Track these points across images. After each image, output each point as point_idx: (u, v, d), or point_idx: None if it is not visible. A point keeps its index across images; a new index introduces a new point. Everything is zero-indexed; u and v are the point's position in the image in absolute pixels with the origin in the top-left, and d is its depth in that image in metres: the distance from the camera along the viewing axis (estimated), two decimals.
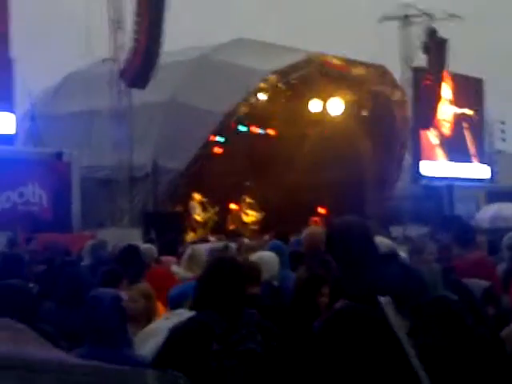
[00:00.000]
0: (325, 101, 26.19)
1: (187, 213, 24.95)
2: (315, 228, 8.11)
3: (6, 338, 1.58)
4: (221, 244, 7.41)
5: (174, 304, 5.62)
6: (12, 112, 21.51)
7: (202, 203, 25.69)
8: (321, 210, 27.78)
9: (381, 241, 4.37)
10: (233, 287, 4.16)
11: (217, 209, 25.88)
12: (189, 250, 9.45)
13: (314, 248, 6.82)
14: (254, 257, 7.14)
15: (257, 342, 4.02)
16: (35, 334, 1.68)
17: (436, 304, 3.56)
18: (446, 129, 34.15)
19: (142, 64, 20.89)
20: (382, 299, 3.39)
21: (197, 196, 25.44)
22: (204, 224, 25.49)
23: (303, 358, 3.98)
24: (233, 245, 7.48)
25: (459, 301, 3.67)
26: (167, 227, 18.88)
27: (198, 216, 25.38)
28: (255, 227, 26.89)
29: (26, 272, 8.00)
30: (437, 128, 33.21)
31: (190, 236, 23.03)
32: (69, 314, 5.67)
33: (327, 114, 26.53)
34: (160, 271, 7.61)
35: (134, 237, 17.09)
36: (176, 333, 4.15)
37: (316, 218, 26.39)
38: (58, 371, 1.50)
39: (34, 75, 25.68)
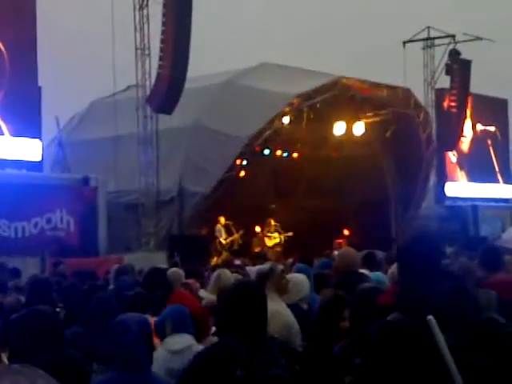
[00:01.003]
0: (349, 123, 26.28)
1: (212, 236, 25.08)
2: (349, 249, 8.16)
3: (24, 382, 1.71)
4: (267, 266, 7.44)
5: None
6: (39, 139, 21.80)
7: (226, 226, 25.81)
8: (345, 232, 27.80)
9: None
10: (255, 312, 4.11)
11: (241, 232, 25.98)
12: (216, 274, 9.53)
13: (348, 268, 6.85)
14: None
15: (281, 367, 3.94)
16: (53, 380, 1.80)
17: (484, 324, 3.56)
18: (465, 145, 34.03)
19: (167, 90, 21.08)
20: (428, 317, 3.44)
21: (222, 219, 25.57)
22: (228, 247, 25.61)
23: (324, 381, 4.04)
24: (280, 267, 7.52)
25: (508, 324, 3.66)
26: (192, 251, 19.00)
27: (223, 239, 25.51)
28: (279, 250, 26.95)
29: (54, 296, 8.13)
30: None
31: (215, 259, 23.15)
32: (97, 338, 5.75)
33: (351, 136, 26.60)
34: (185, 295, 7.70)
35: (159, 260, 17.21)
36: (200, 358, 4.16)
37: (340, 240, 26.42)
38: None
39: (61, 102, 26.02)
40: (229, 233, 25.87)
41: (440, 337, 3.37)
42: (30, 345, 4.51)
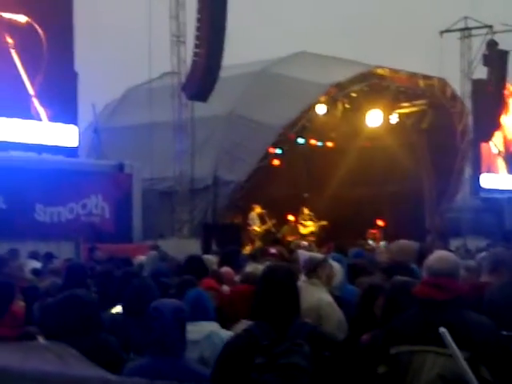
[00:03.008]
0: (384, 113, 26.13)
1: (245, 224, 25.11)
2: (407, 242, 8.14)
3: (53, 359, 1.74)
4: (319, 255, 7.45)
5: None
6: (75, 125, 21.95)
7: (260, 215, 25.82)
8: (379, 223, 27.70)
9: (447, 256, 4.35)
10: (282, 296, 4.08)
11: (274, 221, 25.99)
12: (250, 266, 9.54)
13: (403, 259, 6.80)
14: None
15: (302, 355, 3.88)
16: (84, 358, 1.82)
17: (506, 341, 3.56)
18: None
19: (202, 77, 21.07)
20: (441, 329, 3.43)
21: (257, 208, 25.59)
22: (262, 236, 25.61)
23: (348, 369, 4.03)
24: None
25: None
26: (226, 239, 19.04)
27: (257, 228, 25.53)
28: (313, 239, 26.92)
29: (89, 281, 8.18)
30: (500, 137, 32.79)
31: (248, 248, 23.17)
32: (132, 324, 5.79)
33: (386, 126, 26.46)
34: (208, 282, 7.67)
35: (193, 248, 17.28)
36: (226, 346, 4.24)
37: (374, 231, 26.34)
38: None
39: (98, 88, 26.15)
40: (262, 221, 25.88)
41: (455, 349, 3.37)
42: (67, 328, 4.55)
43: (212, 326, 5.68)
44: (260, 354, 3.89)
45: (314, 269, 6.82)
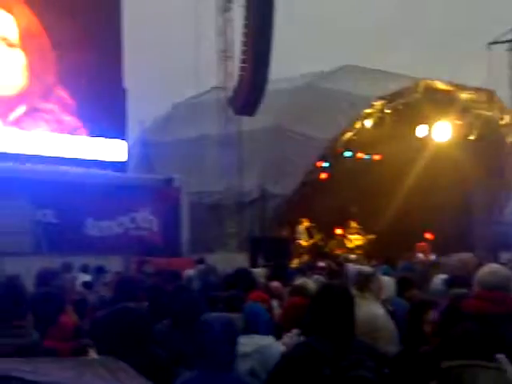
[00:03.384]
0: (431, 126, 25.94)
1: (292, 238, 25.08)
2: (468, 255, 8.05)
3: (105, 375, 1.77)
4: (369, 268, 7.43)
5: None
6: (124, 139, 22.19)
7: (308, 229, 25.78)
8: (427, 236, 27.44)
9: (499, 269, 4.31)
10: (341, 313, 4.11)
11: (321, 234, 25.91)
12: (298, 279, 9.51)
13: (465, 274, 6.72)
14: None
15: (369, 369, 3.93)
16: (134, 373, 1.85)
17: None
18: None
19: (249, 92, 21.15)
20: (498, 355, 3.40)
21: (304, 221, 25.55)
22: (309, 249, 25.56)
23: None
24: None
25: None
26: (274, 252, 19.03)
27: (304, 241, 25.49)
28: (360, 252, 26.79)
29: (139, 295, 8.23)
30: None
31: (296, 261, 23.13)
32: (182, 337, 5.80)
33: (434, 138, 26.25)
34: (260, 295, 7.67)
35: (240, 261, 17.28)
36: (288, 358, 4.20)
37: (423, 244, 26.07)
38: None
39: (146, 103, 26.42)
40: (310, 235, 25.83)
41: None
42: (118, 342, 4.56)
43: (265, 340, 5.68)
44: (327, 366, 3.91)
45: (365, 282, 6.78)
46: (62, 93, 21.03)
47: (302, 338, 4.39)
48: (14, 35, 20.46)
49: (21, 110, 20.37)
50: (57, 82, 20.98)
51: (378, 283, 7.02)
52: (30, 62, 20.66)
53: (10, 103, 20.33)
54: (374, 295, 6.78)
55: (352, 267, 8.69)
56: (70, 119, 21.11)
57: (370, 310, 6.47)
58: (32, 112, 20.53)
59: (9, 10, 20.43)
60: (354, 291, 6.63)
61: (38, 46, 20.66)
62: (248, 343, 5.42)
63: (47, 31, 20.77)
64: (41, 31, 20.73)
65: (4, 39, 20.29)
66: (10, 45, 20.39)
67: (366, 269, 7.45)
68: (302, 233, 25.51)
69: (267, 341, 5.67)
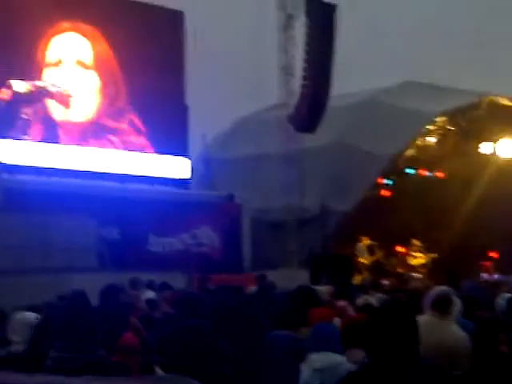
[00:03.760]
0: (496, 142, 25.56)
1: (353, 255, 24.90)
2: None
3: None
4: (448, 289, 7.22)
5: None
6: (187, 157, 22.36)
7: (369, 246, 25.58)
8: (492, 254, 26.96)
9: None
10: (406, 332, 4.00)
11: (383, 252, 25.68)
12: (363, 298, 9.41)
13: None
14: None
15: None
16: None
17: None
18: None
19: (310, 109, 21.13)
20: None
21: (365, 239, 25.37)
22: (370, 267, 25.34)
23: None
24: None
25: None
26: (336, 269, 18.92)
27: (365, 259, 25.28)
28: (423, 271, 26.45)
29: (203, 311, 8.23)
30: None
31: (357, 279, 22.94)
32: (245, 354, 5.79)
33: (498, 155, 25.85)
34: (326, 312, 7.59)
35: (302, 278, 17.20)
36: (354, 376, 4.16)
37: (487, 263, 25.66)
38: None
39: (207, 120, 26.59)
40: (371, 253, 25.61)
41: None
42: (184, 359, 4.56)
43: (338, 357, 5.64)
44: None
45: (444, 303, 6.58)
46: (131, 114, 21.40)
47: (365, 357, 4.31)
48: (88, 58, 20.91)
49: (93, 130, 20.80)
50: (127, 103, 21.36)
51: (455, 304, 6.83)
52: (103, 84, 21.08)
53: (85, 125, 20.78)
54: (452, 316, 6.60)
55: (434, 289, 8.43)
56: (138, 139, 21.45)
57: (454, 332, 6.29)
58: (103, 132, 20.95)
59: (83, 34, 20.89)
60: (430, 311, 6.44)
61: (109, 68, 21.11)
62: (320, 360, 5.40)
63: (116, 54, 21.18)
64: (110, 55, 21.16)
65: (80, 62, 20.75)
66: (86, 67, 20.86)
67: (444, 288, 7.20)
68: (363, 250, 25.32)
69: (339, 359, 5.63)
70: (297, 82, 22.30)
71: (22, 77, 19.73)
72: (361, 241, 25.34)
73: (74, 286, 13.47)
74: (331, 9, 21.12)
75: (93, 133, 20.91)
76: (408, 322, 4.08)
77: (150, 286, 12.79)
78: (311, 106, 21.06)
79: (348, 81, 23.71)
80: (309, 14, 21.27)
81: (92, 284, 13.05)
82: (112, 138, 21.12)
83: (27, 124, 19.67)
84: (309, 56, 21.17)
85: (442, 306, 6.38)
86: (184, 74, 22.66)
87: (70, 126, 20.57)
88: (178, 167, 22.08)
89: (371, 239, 25.39)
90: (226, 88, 31.90)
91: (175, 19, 22.69)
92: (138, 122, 21.55)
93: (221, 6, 34.74)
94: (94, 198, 18.53)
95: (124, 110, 21.40)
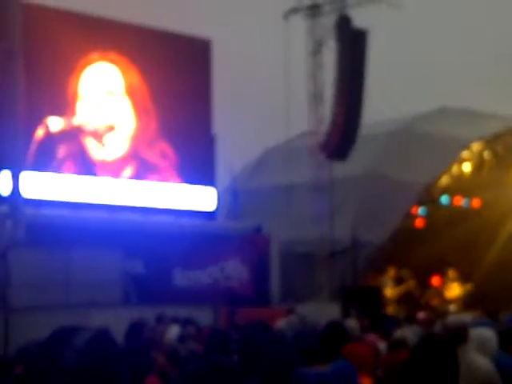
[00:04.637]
0: None
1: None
2: None
3: None
4: (468, 319, 6.82)
5: None
6: (214, 187, 21.97)
7: (398, 277, 24.93)
8: None
9: None
10: (445, 366, 3.89)
11: (412, 283, 25.02)
12: (399, 332, 8.93)
13: None
14: (474, 333, 6.52)
15: None
16: None
17: None
18: None
19: (341, 137, 20.78)
20: None
21: (391, 270, 24.73)
22: (397, 299, 24.67)
23: None
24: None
25: None
26: (366, 302, 18.35)
27: (389, 291, 24.57)
28: (459, 303, 25.72)
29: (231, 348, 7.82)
30: None
31: (389, 311, 22.30)
32: None
33: None
34: (356, 348, 7.11)
35: (332, 312, 16.75)
36: None
37: None
38: None
39: (236, 149, 26.27)
40: (398, 282, 24.95)
41: None
42: None
43: None
44: None
45: (462, 332, 6.10)
46: (162, 143, 21.20)
47: None
48: (120, 88, 20.68)
49: (128, 163, 20.51)
50: (158, 134, 21.17)
51: (479, 335, 6.36)
52: (136, 114, 20.90)
53: (120, 160, 20.50)
54: (474, 346, 6.24)
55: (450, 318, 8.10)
56: (169, 172, 21.19)
57: (472, 361, 5.94)
58: (140, 166, 20.74)
59: (114, 63, 20.73)
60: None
61: (140, 97, 20.96)
62: None
63: (146, 83, 21.04)
64: (141, 83, 21.02)
65: (111, 93, 20.54)
66: (117, 97, 20.66)
67: (464, 318, 6.79)
68: (387, 282, 24.60)
69: None
70: (326, 109, 21.89)
71: (58, 111, 19.62)
72: (387, 272, 24.70)
73: (98, 322, 13.10)
74: (362, 34, 20.84)
75: (127, 166, 20.68)
76: (448, 357, 3.97)
77: (177, 320, 12.44)
78: (342, 134, 20.70)
79: (380, 107, 23.26)
80: (339, 39, 20.95)
81: (116, 319, 12.64)
82: (148, 174, 20.92)
83: (62, 163, 19.43)
84: (339, 82, 20.80)
85: (458, 338, 6.01)
86: (211, 102, 22.38)
87: (105, 164, 20.30)
88: (205, 198, 21.68)
89: (405, 269, 24.76)
90: (255, 116, 31.67)
91: (203, 48, 22.49)
92: (169, 152, 21.27)
93: (250, 32, 34.60)
94: (119, 232, 18.37)
95: (155, 139, 21.17)
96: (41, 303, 15.73)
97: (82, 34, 20.06)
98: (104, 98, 20.51)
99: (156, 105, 21.20)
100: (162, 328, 10.62)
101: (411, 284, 25.03)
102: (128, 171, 20.61)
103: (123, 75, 20.90)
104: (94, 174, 19.96)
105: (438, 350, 3.96)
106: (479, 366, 5.97)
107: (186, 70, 21.76)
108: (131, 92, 20.94)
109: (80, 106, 20.11)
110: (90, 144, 20.07)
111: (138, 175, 20.71)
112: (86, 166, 19.91)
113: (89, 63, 20.37)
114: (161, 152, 21.17)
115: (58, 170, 19.34)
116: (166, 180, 21.17)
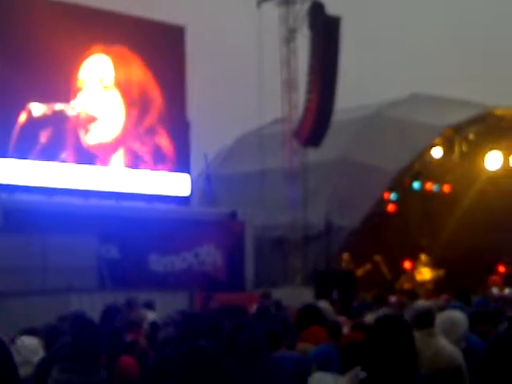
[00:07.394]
0: (504, 155, 25.24)
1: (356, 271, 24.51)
2: None
3: None
4: (431, 304, 7.01)
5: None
6: (188, 173, 22.06)
7: (375, 262, 25.23)
8: (500, 269, 26.57)
9: None
10: (400, 345, 3.90)
11: (387, 268, 25.36)
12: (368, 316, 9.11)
13: None
14: (443, 316, 6.72)
15: None
16: None
17: None
18: None
19: (314, 123, 20.91)
20: None
21: (377, 256, 25.04)
22: (376, 283, 24.96)
23: None
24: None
25: None
26: (340, 286, 18.58)
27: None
28: (430, 286, 26.08)
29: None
30: None
31: (367, 295, 22.58)
32: (247, 375, 5.54)
33: (507, 169, 25.52)
34: (318, 332, 7.25)
35: (306, 296, 16.91)
36: None
37: (495, 277, 25.29)
38: None
39: (209, 136, 26.33)
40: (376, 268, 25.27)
41: None
42: (189, 380, 4.32)
43: (339, 379, 5.41)
44: None
45: (428, 318, 6.31)
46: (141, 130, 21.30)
47: (363, 375, 4.08)
48: (110, 80, 20.82)
49: (107, 150, 20.63)
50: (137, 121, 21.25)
51: (444, 319, 6.56)
52: (124, 105, 20.99)
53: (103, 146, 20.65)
54: (440, 329, 6.35)
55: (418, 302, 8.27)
56: (146, 157, 21.26)
57: (437, 344, 6.07)
58: (126, 154, 20.83)
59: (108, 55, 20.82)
60: (416, 329, 6.16)
61: (128, 88, 21.03)
62: (321, 380, 5.32)
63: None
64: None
65: (102, 83, 20.60)
66: (106, 87, 20.67)
67: (427, 303, 6.98)
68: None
69: (341, 380, 5.38)
70: (300, 96, 22.04)
71: (66, 102, 19.79)
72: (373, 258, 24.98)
73: (74, 306, 13.23)
74: (335, 21, 20.95)
75: (111, 154, 20.75)
76: (402, 335, 3.99)
77: (149, 305, 12.50)
78: (316, 120, 20.84)
79: (352, 94, 23.46)
80: (313, 27, 21.07)
81: (92, 304, 12.77)
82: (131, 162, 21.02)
83: (44, 148, 19.43)
84: (312, 69, 20.93)
85: (424, 322, 6.16)
86: (185, 89, 22.41)
87: (86, 150, 20.32)
88: (179, 184, 21.77)
89: (379, 255, 25.07)
90: (228, 103, 31.70)
91: (177, 34, 22.47)
92: (146, 138, 21.33)
93: (222, 20, 34.60)
94: (93, 217, 18.27)
95: (136, 126, 21.26)
96: (17, 288, 15.82)
97: (64, 23, 19.94)
98: (95, 89, 20.52)
99: (134, 95, 21.19)
100: (139, 313, 10.68)
101: (385, 269, 25.32)
102: (112, 158, 20.66)
103: (115, 66, 20.93)
104: (75, 161, 19.95)
105: (392, 329, 3.97)
106: (445, 350, 6.07)
107: (161, 56, 21.76)
108: (120, 83, 20.96)
109: (78, 97, 20.13)
110: (72, 130, 20.06)
111: (121, 163, 20.75)
112: (66, 151, 19.86)
113: (89, 55, 20.43)
114: (140, 139, 21.19)
115: (39, 155, 19.31)
116: (144, 167, 21.19)
